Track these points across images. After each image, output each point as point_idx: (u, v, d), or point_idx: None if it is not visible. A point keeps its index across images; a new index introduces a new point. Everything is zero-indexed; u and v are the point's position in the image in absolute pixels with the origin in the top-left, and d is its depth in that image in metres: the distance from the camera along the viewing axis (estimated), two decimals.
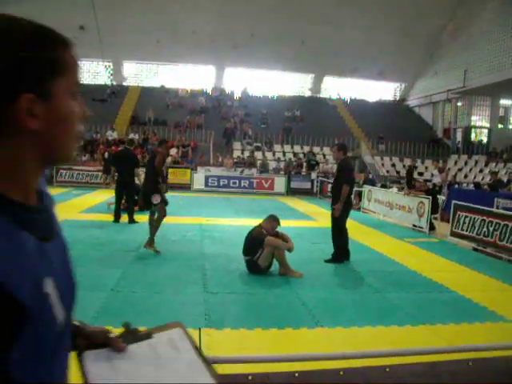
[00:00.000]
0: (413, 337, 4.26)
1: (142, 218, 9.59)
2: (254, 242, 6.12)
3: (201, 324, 4.27)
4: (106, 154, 18.90)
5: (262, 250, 6.01)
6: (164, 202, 7.19)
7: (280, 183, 19.88)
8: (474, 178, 22.44)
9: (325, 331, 4.29)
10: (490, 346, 3.25)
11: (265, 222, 6.35)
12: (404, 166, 24.35)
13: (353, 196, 15.00)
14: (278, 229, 6.43)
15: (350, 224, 11.57)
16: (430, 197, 10.73)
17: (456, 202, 9.81)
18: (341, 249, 7.12)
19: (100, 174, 18.89)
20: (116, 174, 10.69)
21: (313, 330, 4.31)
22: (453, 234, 9.64)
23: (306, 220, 12.17)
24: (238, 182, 19.67)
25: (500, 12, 23.79)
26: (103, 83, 30.64)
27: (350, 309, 4.97)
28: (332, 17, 26.61)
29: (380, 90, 34.04)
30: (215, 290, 5.35)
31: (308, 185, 20.53)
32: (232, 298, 5.18)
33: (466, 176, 23.11)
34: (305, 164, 22.03)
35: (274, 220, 6.36)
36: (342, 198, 6.98)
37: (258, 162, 21.48)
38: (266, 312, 4.74)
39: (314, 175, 20.73)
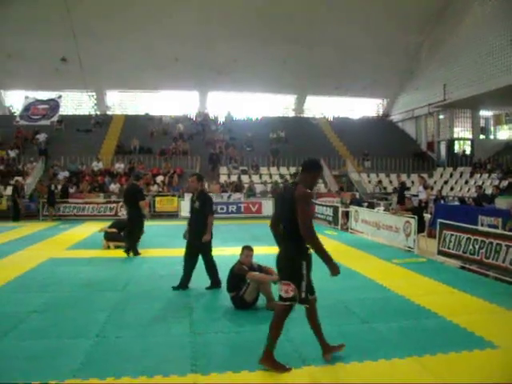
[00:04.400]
0: (401, 372, 4.22)
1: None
2: (236, 279, 6.12)
3: (187, 370, 4.24)
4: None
5: (248, 286, 5.99)
6: None
7: (268, 206, 19.84)
8: (460, 190, 22.64)
9: (311, 371, 4.24)
10: None
11: (242, 257, 6.37)
12: (391, 181, 24.54)
13: (340, 216, 15.07)
14: (260, 261, 6.41)
15: (339, 246, 11.65)
16: (416, 216, 10.79)
17: (442, 220, 9.86)
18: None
19: (88, 206, 18.96)
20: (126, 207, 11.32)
21: (300, 369, 4.26)
22: (440, 252, 9.67)
23: None
24: (225, 207, 19.66)
25: (474, 28, 24.40)
26: (87, 113, 30.69)
27: (337, 343, 4.91)
28: (312, 37, 27.08)
29: (363, 107, 34.46)
30: (201, 330, 5.30)
31: None
32: (219, 337, 5.12)
33: (452, 189, 23.30)
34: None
35: (248, 250, 6.41)
36: (210, 228, 7.18)
37: (245, 186, 21.48)
38: (253, 352, 4.65)
39: None
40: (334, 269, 4.18)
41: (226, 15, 25.79)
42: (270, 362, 4.24)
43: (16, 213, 18.25)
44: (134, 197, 10.33)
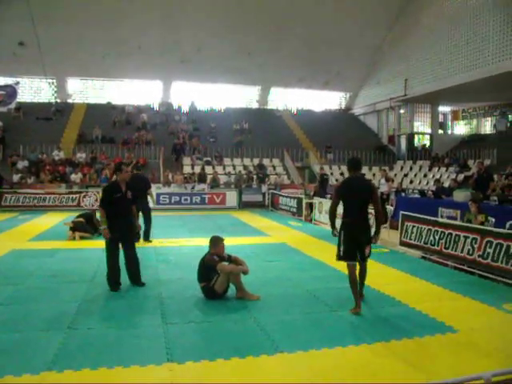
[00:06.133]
0: (370, 357, 4.41)
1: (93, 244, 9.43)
2: (207, 269, 6.18)
3: (162, 359, 4.29)
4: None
5: (218, 276, 6.07)
6: None
7: (231, 197, 19.98)
8: (419, 182, 23.32)
9: (285, 357, 4.37)
10: None
11: (212, 248, 6.37)
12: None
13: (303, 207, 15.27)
14: (232, 250, 6.49)
15: (304, 237, 11.86)
16: None
17: (403, 212, 10.18)
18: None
19: (49, 196, 18.47)
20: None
21: (273, 356, 4.38)
22: (402, 243, 10.01)
23: (260, 236, 12.28)
24: (189, 198, 19.60)
25: (435, 25, 25.05)
26: (47, 101, 29.78)
27: (308, 330, 5.07)
28: (276, 29, 27.12)
29: (326, 100, 34.77)
30: (174, 321, 5.34)
31: (259, 197, 20.74)
32: (191, 327, 5.18)
33: (411, 181, 23.96)
34: (255, 177, 22.24)
35: (218, 241, 6.41)
36: (102, 216, 6.69)
37: (209, 177, 21.46)
38: (226, 340, 4.77)
39: (264, 188, 20.94)
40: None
41: (190, 3, 25.49)
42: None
43: None
44: (145, 185, 10.78)
